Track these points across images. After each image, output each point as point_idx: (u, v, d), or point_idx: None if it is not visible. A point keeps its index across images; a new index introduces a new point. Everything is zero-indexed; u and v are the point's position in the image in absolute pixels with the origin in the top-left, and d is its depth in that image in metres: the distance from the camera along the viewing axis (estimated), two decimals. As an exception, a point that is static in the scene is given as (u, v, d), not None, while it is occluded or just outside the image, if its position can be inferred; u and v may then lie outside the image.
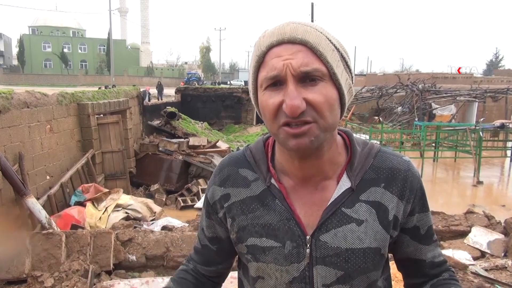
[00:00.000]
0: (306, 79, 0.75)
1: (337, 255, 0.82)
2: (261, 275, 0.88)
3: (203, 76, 46.05)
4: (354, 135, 0.93)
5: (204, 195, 1.03)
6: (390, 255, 0.96)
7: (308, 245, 0.83)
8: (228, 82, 44.33)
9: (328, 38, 0.78)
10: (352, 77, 0.83)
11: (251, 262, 0.89)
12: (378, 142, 13.11)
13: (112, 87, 14.70)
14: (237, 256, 1.01)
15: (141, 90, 22.79)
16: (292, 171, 0.87)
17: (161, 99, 22.40)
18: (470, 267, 3.59)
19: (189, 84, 32.92)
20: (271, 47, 0.77)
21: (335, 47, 0.78)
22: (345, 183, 0.85)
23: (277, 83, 0.76)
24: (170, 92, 27.20)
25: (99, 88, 15.12)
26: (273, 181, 0.88)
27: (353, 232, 0.83)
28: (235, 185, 0.92)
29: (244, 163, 0.93)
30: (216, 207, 0.95)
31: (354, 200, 0.84)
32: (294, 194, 0.87)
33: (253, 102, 0.86)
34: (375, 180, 0.86)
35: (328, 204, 0.84)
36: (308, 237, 0.83)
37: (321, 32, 0.77)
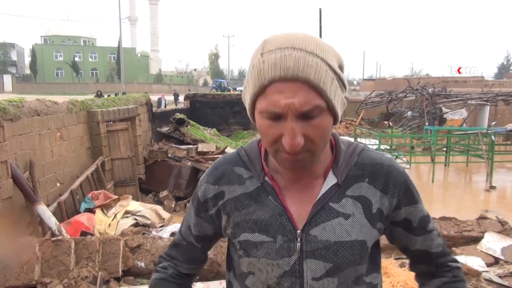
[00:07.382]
0: (305, 116, 0.77)
1: (326, 248, 0.85)
2: (252, 271, 0.90)
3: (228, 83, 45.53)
4: (356, 140, 0.94)
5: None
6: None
7: (298, 239, 0.86)
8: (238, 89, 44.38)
9: (327, 63, 0.76)
10: (346, 90, 0.84)
11: (243, 258, 0.91)
12: (388, 147, 12.99)
13: (122, 94, 14.83)
14: (225, 259, 1.03)
15: (157, 97, 23.38)
16: (284, 172, 0.90)
17: (176, 106, 23.65)
18: (483, 274, 3.52)
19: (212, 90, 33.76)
20: (272, 81, 0.75)
21: (333, 70, 0.77)
22: (331, 180, 0.89)
23: (276, 117, 0.78)
24: (180, 99, 27.52)
25: (111, 95, 15.26)
26: (267, 178, 0.91)
27: (341, 225, 0.86)
28: (230, 183, 0.94)
29: (239, 162, 0.96)
30: (208, 205, 0.97)
31: (341, 195, 0.88)
32: (286, 192, 0.90)
33: (248, 114, 0.88)
34: (359, 176, 0.90)
35: (317, 199, 0.87)
36: (298, 231, 0.86)
37: (321, 59, 0.75)
